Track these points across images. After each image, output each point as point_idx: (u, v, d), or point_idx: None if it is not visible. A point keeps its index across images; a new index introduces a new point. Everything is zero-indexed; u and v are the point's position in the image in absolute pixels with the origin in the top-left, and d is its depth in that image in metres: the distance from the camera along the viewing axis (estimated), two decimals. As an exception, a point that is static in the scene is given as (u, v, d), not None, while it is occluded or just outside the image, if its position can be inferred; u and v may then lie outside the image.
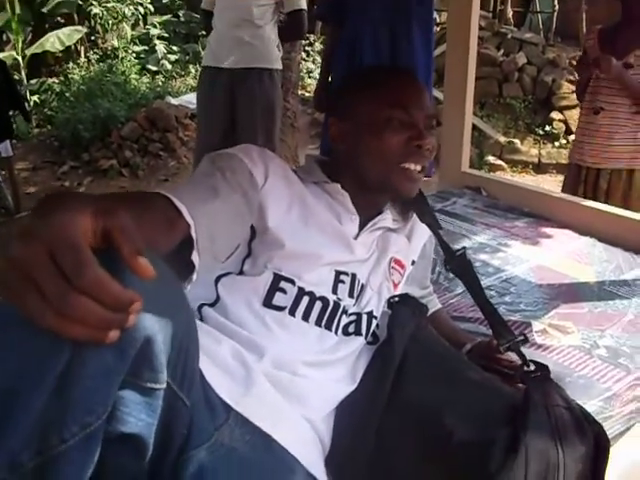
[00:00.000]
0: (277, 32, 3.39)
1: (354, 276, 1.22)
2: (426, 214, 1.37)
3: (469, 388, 1.08)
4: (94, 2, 7.91)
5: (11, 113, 4.72)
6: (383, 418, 1.06)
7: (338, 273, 1.19)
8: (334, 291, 1.18)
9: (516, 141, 6.79)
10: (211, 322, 1.07)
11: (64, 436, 0.60)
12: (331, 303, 1.16)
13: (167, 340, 0.68)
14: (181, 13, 9.18)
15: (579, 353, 1.58)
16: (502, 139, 6.82)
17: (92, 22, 8.35)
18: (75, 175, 5.85)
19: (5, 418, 0.58)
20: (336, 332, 1.16)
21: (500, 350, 1.22)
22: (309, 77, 8.26)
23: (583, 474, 0.96)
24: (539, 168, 6.55)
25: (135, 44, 8.39)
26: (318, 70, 3.59)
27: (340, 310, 1.17)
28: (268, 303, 1.11)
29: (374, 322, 1.24)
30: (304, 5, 3.35)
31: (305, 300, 1.13)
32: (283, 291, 1.12)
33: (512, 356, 1.23)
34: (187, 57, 8.68)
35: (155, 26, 8.60)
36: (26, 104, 5.98)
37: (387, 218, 1.30)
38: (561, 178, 3.56)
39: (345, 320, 1.19)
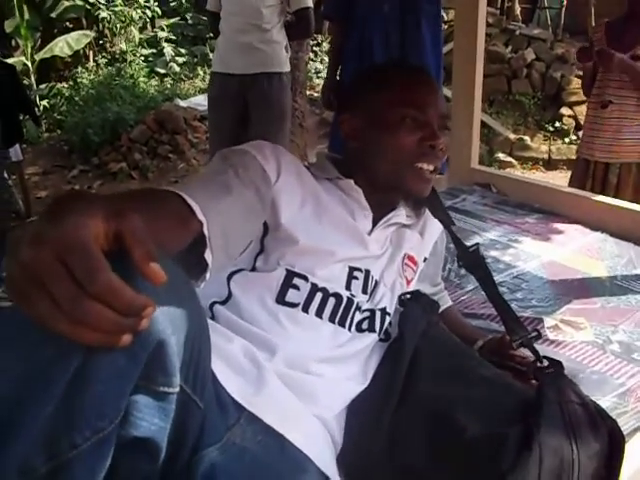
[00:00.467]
0: (284, 33, 3.40)
1: (368, 272, 1.21)
2: (439, 210, 1.37)
3: (481, 384, 1.07)
4: (102, 6, 7.95)
5: (21, 118, 4.74)
6: (395, 416, 1.06)
7: (352, 269, 1.19)
8: (347, 287, 1.17)
9: (526, 138, 6.76)
10: (223, 320, 1.07)
11: (76, 441, 0.60)
12: (344, 299, 1.15)
13: (180, 343, 0.68)
14: (189, 16, 9.19)
15: (592, 349, 1.57)
16: (512, 136, 6.79)
17: (100, 26, 8.39)
18: (85, 179, 5.88)
19: (16, 423, 0.57)
20: (349, 328, 1.16)
21: (513, 346, 1.21)
22: (317, 77, 8.26)
23: (598, 471, 0.95)
24: (549, 164, 6.52)
25: (143, 47, 8.43)
26: (326, 70, 3.58)
27: (354, 306, 1.17)
28: (281, 300, 1.10)
29: (387, 319, 1.24)
30: (310, 3, 3.35)
31: (318, 296, 1.13)
32: (296, 287, 1.11)
33: (525, 352, 1.22)
34: (195, 59, 8.70)
35: (163, 29, 8.64)
36: (36, 109, 6.01)
37: (401, 214, 1.29)
38: (572, 174, 3.54)
39: (359, 316, 1.18)
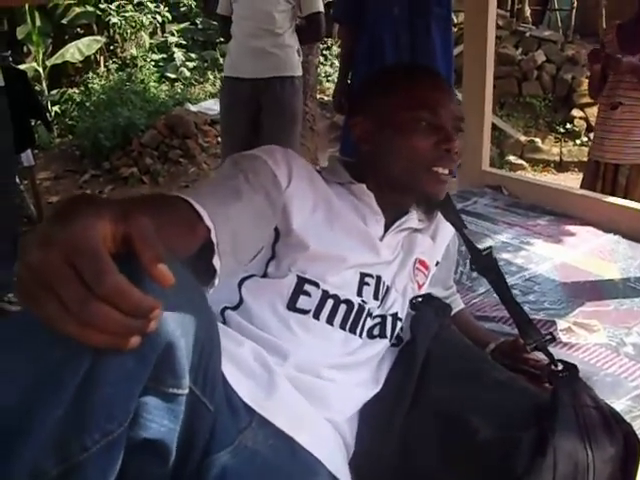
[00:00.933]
0: (296, 37, 3.41)
1: (379, 278, 1.20)
2: (451, 213, 1.36)
3: (494, 388, 1.07)
4: (112, 12, 7.98)
5: (33, 123, 4.77)
6: (407, 419, 1.05)
7: (363, 275, 1.18)
8: (359, 294, 1.17)
9: (537, 140, 6.74)
10: (234, 325, 1.06)
11: (86, 444, 0.60)
12: (356, 306, 1.15)
13: (189, 345, 0.67)
14: (199, 21, 9.22)
15: (606, 351, 1.56)
16: (523, 138, 6.77)
17: (111, 32, 8.44)
18: (96, 183, 5.91)
19: (26, 426, 0.57)
20: (361, 335, 1.15)
21: (526, 349, 1.20)
22: (327, 81, 8.26)
23: (613, 475, 0.95)
24: (561, 166, 6.50)
25: (154, 52, 8.46)
26: (337, 74, 3.59)
27: (365, 313, 1.16)
28: (292, 306, 1.10)
29: (399, 324, 1.23)
30: (322, 7, 3.36)
31: (329, 303, 1.12)
32: (307, 294, 1.11)
33: (538, 355, 1.21)
34: (205, 64, 8.72)
35: (173, 34, 8.66)
36: (47, 114, 6.04)
37: (413, 218, 1.28)
38: (583, 176, 3.52)
39: (370, 323, 1.18)
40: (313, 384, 1.04)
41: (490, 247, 1.34)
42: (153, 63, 8.27)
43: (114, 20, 8.01)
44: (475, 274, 1.91)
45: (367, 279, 1.18)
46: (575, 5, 8.71)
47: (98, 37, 7.94)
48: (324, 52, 8.69)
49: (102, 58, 8.36)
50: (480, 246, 1.35)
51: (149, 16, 8.27)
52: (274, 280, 1.12)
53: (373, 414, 1.10)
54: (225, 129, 3.69)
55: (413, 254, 1.27)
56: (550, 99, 7.27)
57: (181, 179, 5.93)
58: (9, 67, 3.88)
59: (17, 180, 4.22)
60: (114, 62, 8.32)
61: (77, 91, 7.61)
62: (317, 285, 1.11)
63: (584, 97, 6.93)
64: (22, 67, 6.07)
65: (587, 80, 6.74)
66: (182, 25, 8.90)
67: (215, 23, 8.08)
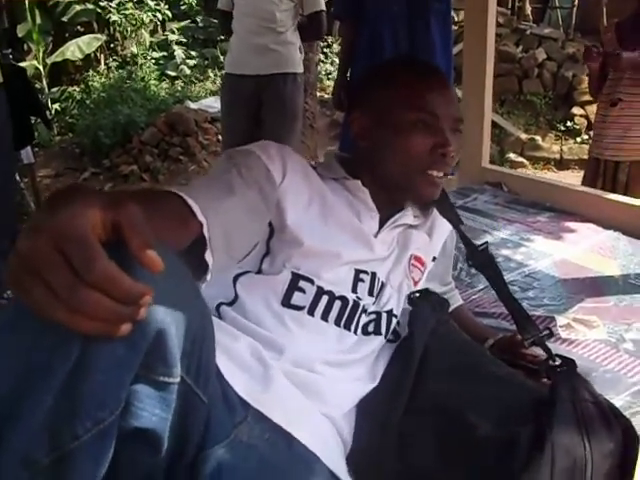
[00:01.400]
0: (298, 35, 3.41)
1: (374, 275, 1.20)
2: (447, 210, 1.35)
3: (492, 383, 1.06)
4: (113, 10, 7.97)
5: (33, 121, 4.76)
6: (405, 415, 1.05)
7: (358, 272, 1.17)
8: (354, 290, 1.16)
9: (537, 138, 6.74)
10: (229, 321, 1.06)
11: (77, 432, 0.60)
12: (350, 302, 1.14)
13: (180, 333, 0.67)
14: (199, 18, 9.21)
15: (605, 347, 1.55)
16: (523, 136, 6.77)
17: (111, 30, 8.43)
18: (96, 181, 5.90)
19: (16, 415, 0.57)
20: (355, 331, 1.15)
21: (524, 345, 1.19)
22: (328, 79, 8.25)
23: (611, 470, 0.94)
24: (561, 164, 6.50)
25: (154, 50, 8.45)
26: (337, 72, 3.60)
27: (360, 309, 1.15)
28: (287, 303, 1.09)
29: (394, 321, 1.23)
30: (323, 6, 3.36)
31: (324, 299, 1.12)
32: (302, 290, 1.10)
33: (536, 351, 1.21)
34: (206, 62, 8.71)
35: (173, 32, 8.65)
36: (47, 112, 6.04)
37: (408, 215, 1.27)
38: (584, 174, 3.52)
39: (365, 319, 1.17)
40: (309, 379, 1.04)
41: (486, 242, 1.33)
42: (153, 61, 8.27)
43: (114, 18, 8.00)
44: (474, 270, 1.90)
45: (362, 275, 1.18)
46: (576, 3, 8.70)
47: (98, 35, 7.94)
48: (324, 50, 8.69)
49: (102, 56, 8.36)
50: (479, 242, 1.34)
51: (149, 14, 8.25)
52: (269, 277, 1.11)
53: (370, 409, 1.10)
54: (226, 126, 3.68)
55: (408, 250, 1.27)
56: (551, 97, 7.27)
57: (181, 177, 5.92)
58: (9, 64, 3.87)
59: (17, 178, 4.22)
60: (114, 60, 8.32)
61: (77, 89, 7.61)
62: (312, 281, 1.11)
63: (585, 95, 6.93)
64: (22, 65, 6.06)
65: (588, 77, 6.80)
66: (182, 23, 8.89)
67: (215, 21, 8.07)
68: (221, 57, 8.16)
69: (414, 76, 1.23)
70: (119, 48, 8.61)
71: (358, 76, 3.14)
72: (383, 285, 1.22)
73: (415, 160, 1.17)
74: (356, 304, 1.15)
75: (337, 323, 1.12)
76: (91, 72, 7.92)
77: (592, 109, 6.61)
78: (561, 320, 1.67)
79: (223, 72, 3.65)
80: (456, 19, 7.57)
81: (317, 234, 1.13)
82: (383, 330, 1.19)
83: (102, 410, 0.60)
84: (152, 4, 8.32)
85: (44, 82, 7.29)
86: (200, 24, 9.21)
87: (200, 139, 6.28)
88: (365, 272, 1.18)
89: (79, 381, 0.59)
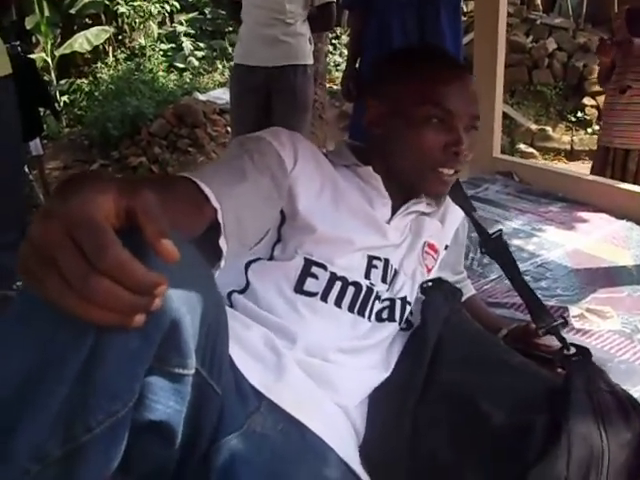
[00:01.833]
0: (308, 26, 3.38)
1: (387, 261, 1.19)
2: (460, 197, 1.34)
3: (506, 372, 1.05)
4: (121, 1, 7.96)
5: (42, 113, 4.77)
6: (418, 405, 1.04)
7: (371, 258, 1.16)
8: (367, 276, 1.15)
9: (547, 128, 6.70)
10: (241, 309, 1.05)
11: (90, 424, 0.59)
12: (364, 288, 1.13)
13: (195, 324, 0.66)
14: (207, 10, 9.18)
15: (619, 338, 1.54)
16: (533, 126, 6.73)
17: (119, 21, 8.43)
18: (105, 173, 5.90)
19: (28, 407, 0.56)
20: (369, 318, 1.14)
21: (538, 334, 1.18)
22: (337, 70, 8.22)
23: (628, 460, 0.92)
24: (571, 155, 6.46)
25: (162, 42, 8.43)
26: (345, 62, 3.58)
27: (373, 296, 1.14)
28: (299, 289, 1.08)
29: (408, 308, 1.22)
30: None
31: (337, 285, 1.10)
32: (315, 276, 1.09)
33: (550, 340, 1.19)
34: (214, 53, 8.69)
35: (182, 24, 8.63)
36: (56, 104, 6.04)
37: (421, 202, 1.26)
38: (595, 165, 3.50)
39: (378, 306, 1.16)
40: (322, 368, 1.03)
41: (500, 230, 1.32)
42: (162, 53, 8.25)
43: (122, 10, 7.99)
44: (486, 260, 1.89)
45: (375, 262, 1.17)
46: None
47: (106, 27, 7.92)
48: (333, 41, 8.65)
49: (111, 48, 8.34)
50: (491, 231, 1.33)
51: (157, 5, 8.23)
52: (281, 263, 1.10)
53: (383, 399, 1.09)
54: (235, 117, 3.66)
55: (422, 237, 1.25)
56: (561, 87, 7.21)
57: (190, 168, 5.89)
58: (18, 55, 3.87)
59: (26, 170, 4.22)
60: (122, 52, 8.31)
61: (86, 81, 7.61)
62: (325, 267, 1.10)
63: (595, 85, 6.86)
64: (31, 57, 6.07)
65: (598, 68, 6.75)
66: (191, 15, 8.87)
67: (224, 12, 8.05)
68: (229, 49, 8.14)
69: (432, 69, 1.19)
70: (127, 40, 8.60)
71: (367, 66, 3.12)
72: (396, 272, 1.21)
73: (426, 157, 1.15)
74: (369, 290, 1.14)
75: (351, 309, 1.11)
76: (99, 64, 7.92)
77: (603, 100, 6.58)
78: (574, 310, 1.66)
79: (232, 63, 3.63)
80: (466, 9, 7.53)
81: (329, 220, 1.12)
82: (397, 317, 1.18)
83: (115, 403, 0.60)
84: (160, -4, 8.32)
85: (52, 74, 7.30)
86: (208, 16, 9.19)
87: (209, 130, 6.27)
88: (378, 258, 1.17)
89: (92, 373, 0.58)
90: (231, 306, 1.06)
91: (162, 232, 0.54)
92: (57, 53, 7.36)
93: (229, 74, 3.72)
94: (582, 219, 2.28)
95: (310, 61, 3.41)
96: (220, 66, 8.31)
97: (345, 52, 8.05)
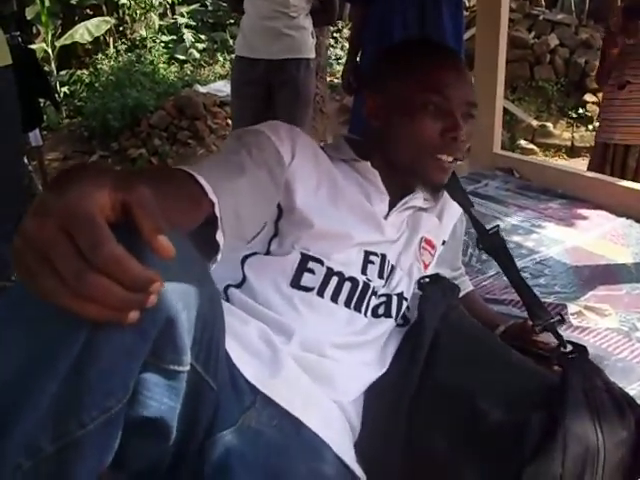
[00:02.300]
0: (310, 19, 3.37)
1: (384, 257, 1.19)
2: (458, 193, 1.33)
3: (503, 369, 1.05)
4: (122, -8, 7.95)
5: (42, 104, 4.75)
6: (414, 401, 1.04)
7: (367, 254, 1.16)
8: (363, 272, 1.15)
9: (548, 124, 6.69)
10: (237, 303, 1.05)
11: (83, 420, 0.58)
12: (360, 284, 1.13)
13: (190, 320, 0.66)
14: (209, 2, 9.14)
15: (617, 336, 1.53)
16: (534, 123, 6.72)
17: (120, 13, 8.39)
18: (104, 164, 5.90)
19: (21, 402, 0.56)
20: (365, 314, 1.13)
21: (535, 331, 1.18)
22: (338, 64, 8.20)
23: (624, 459, 0.93)
24: (572, 151, 6.45)
25: (163, 34, 8.41)
26: (346, 55, 3.57)
27: (370, 291, 1.14)
28: (296, 284, 1.08)
29: (404, 304, 1.21)
30: None
31: (334, 280, 1.10)
32: (311, 271, 1.09)
33: (548, 337, 1.19)
34: (215, 46, 8.67)
35: (183, 15, 8.60)
36: (56, 95, 6.02)
37: (418, 197, 1.25)
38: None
39: (375, 301, 1.16)
40: (318, 363, 1.03)
41: (497, 226, 1.31)
42: (162, 44, 8.22)
43: (124, 1, 7.97)
44: (485, 256, 1.88)
45: (372, 257, 1.16)
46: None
47: (107, 18, 7.88)
48: (334, 35, 8.62)
49: (111, 39, 8.31)
50: (488, 227, 1.32)
51: (158, -3, 8.23)
52: (277, 257, 1.10)
53: (379, 396, 1.09)
54: (236, 110, 3.65)
55: (419, 233, 1.25)
56: (563, 83, 7.20)
57: (190, 160, 5.90)
58: (18, 45, 3.85)
59: (25, 160, 4.21)
60: (123, 43, 8.28)
61: (86, 72, 7.58)
62: (321, 262, 1.10)
63: (597, 81, 6.87)
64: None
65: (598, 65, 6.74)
66: (192, 6, 8.83)
67: (225, 5, 8.01)
68: (230, 41, 8.12)
69: (427, 57, 1.21)
70: (128, 31, 8.57)
71: (367, 60, 3.11)
72: (393, 268, 1.21)
73: (424, 144, 1.15)
74: (366, 286, 1.14)
75: (347, 305, 1.11)
76: (100, 55, 7.89)
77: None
78: (572, 308, 1.65)
79: (232, 56, 3.62)
80: (468, 4, 7.51)
81: (326, 215, 1.12)
82: (393, 313, 1.18)
83: (109, 399, 0.59)
84: (161, -13, 8.30)
85: (53, 65, 7.27)
86: (209, 7, 9.16)
87: (209, 123, 6.26)
88: (375, 254, 1.17)
89: (86, 369, 0.57)
90: (227, 300, 1.05)
91: (158, 228, 0.54)
92: (57, 44, 7.33)
93: (230, 66, 3.70)
94: (582, 216, 2.28)
95: (312, 55, 3.40)
96: (221, 58, 8.29)
97: (346, 45, 8.03)
